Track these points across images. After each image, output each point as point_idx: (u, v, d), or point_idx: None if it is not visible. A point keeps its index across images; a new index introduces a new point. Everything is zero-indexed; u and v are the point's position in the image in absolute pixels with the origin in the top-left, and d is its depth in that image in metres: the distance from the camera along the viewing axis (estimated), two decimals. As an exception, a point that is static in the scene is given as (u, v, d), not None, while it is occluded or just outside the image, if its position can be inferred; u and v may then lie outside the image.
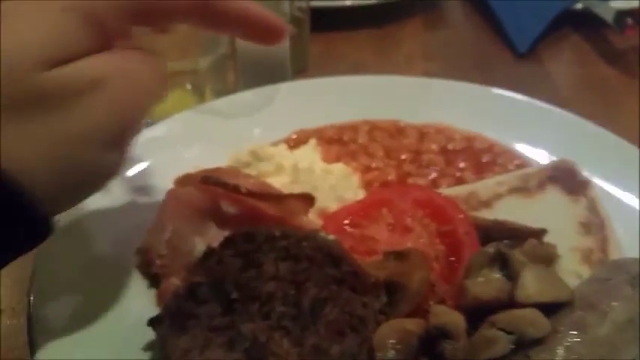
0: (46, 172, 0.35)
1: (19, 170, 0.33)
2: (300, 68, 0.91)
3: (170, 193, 0.54)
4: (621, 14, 0.99)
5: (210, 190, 0.53)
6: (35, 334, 0.47)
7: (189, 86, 0.82)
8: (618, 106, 0.90)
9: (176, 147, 0.68)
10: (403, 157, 0.67)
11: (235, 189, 0.51)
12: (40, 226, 0.37)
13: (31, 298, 0.50)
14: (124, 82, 0.38)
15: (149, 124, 0.72)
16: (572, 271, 0.53)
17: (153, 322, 0.46)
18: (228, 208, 0.55)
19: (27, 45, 0.34)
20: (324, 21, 0.99)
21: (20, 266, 0.59)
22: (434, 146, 0.68)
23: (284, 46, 0.83)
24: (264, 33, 0.46)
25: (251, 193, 0.52)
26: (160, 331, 0.45)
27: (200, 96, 0.81)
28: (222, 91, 0.81)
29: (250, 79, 0.82)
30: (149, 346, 0.48)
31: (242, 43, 0.82)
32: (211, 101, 0.76)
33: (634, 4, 1.05)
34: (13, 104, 0.34)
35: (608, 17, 1.00)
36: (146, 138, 0.68)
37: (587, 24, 1.06)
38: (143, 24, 0.42)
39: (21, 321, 0.56)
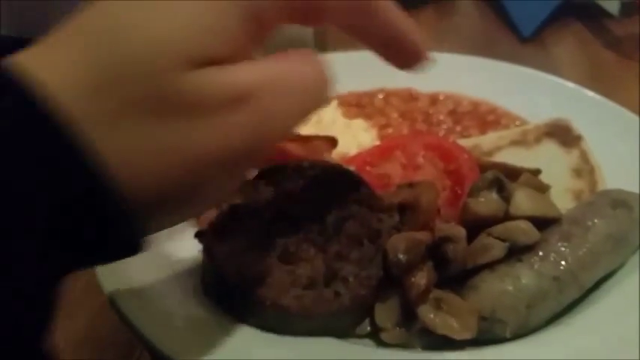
0: (155, 186, 0.29)
1: (126, 177, 0.28)
2: (321, 45, 0.98)
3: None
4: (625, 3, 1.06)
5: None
6: None
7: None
8: (617, 86, 0.96)
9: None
10: (416, 117, 0.75)
11: (268, 129, 0.59)
12: (129, 242, 0.31)
13: None
14: (277, 97, 0.32)
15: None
16: (565, 208, 0.60)
17: (199, 234, 0.54)
18: (260, 150, 0.62)
19: (171, 38, 0.28)
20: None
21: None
22: (443, 109, 0.76)
23: (308, 30, 0.92)
24: (402, 54, 0.43)
25: (282, 134, 0.59)
26: (205, 241, 0.53)
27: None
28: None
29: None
30: (192, 261, 0.56)
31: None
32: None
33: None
34: (140, 104, 0.28)
35: (609, 5, 1.08)
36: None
37: (588, 14, 1.13)
38: (294, 22, 0.37)
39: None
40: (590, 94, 0.76)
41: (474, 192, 0.52)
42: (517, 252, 0.49)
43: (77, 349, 0.53)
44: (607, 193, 0.56)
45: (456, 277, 0.49)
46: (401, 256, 0.48)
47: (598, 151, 0.67)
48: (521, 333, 0.48)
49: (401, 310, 0.48)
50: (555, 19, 1.11)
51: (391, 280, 0.49)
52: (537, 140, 0.68)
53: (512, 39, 1.07)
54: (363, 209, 0.53)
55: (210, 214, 0.58)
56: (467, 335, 0.46)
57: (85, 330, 0.55)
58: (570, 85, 0.78)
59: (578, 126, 0.70)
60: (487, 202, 0.51)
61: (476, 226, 0.51)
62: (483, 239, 0.49)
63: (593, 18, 1.13)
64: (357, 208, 0.54)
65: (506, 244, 0.48)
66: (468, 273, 0.49)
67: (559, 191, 0.61)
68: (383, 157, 0.62)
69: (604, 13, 1.10)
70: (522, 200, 0.50)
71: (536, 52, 1.04)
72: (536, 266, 0.48)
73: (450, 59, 0.85)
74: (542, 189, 0.56)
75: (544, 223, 0.51)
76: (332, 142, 0.61)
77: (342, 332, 0.49)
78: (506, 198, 0.51)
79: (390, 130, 0.72)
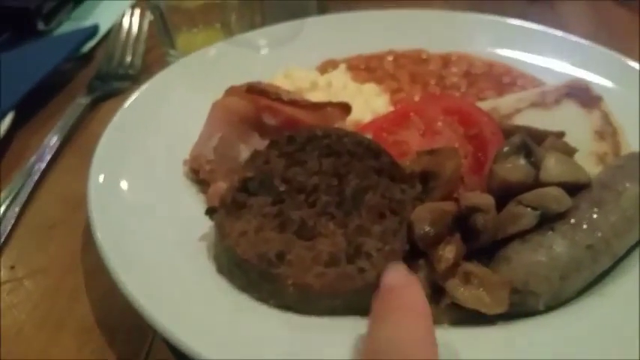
0: None
1: None
2: (322, 7, 0.94)
3: (217, 104, 0.59)
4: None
5: (254, 100, 0.57)
6: (100, 232, 0.51)
7: (218, 25, 0.86)
8: (629, 41, 0.92)
9: (212, 76, 0.72)
10: (428, 80, 0.71)
11: (277, 96, 0.55)
12: None
13: (91, 209, 0.53)
14: None
15: (179, 56, 0.76)
16: (590, 171, 0.57)
17: (210, 212, 0.51)
18: (270, 119, 0.59)
19: None
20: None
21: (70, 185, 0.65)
22: (457, 70, 0.72)
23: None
24: None
25: (292, 101, 0.56)
26: (217, 219, 0.50)
27: (229, 34, 0.84)
28: (249, 30, 0.84)
29: (276, 19, 0.86)
30: (203, 237, 0.53)
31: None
32: (241, 34, 0.80)
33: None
34: None
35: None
36: (183, 66, 0.73)
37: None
38: None
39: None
40: (607, 51, 0.73)
41: (500, 158, 0.49)
42: (548, 220, 0.46)
43: (86, 335, 0.51)
44: (635, 155, 0.53)
45: (485, 248, 0.47)
46: (427, 229, 0.45)
47: (618, 111, 0.65)
48: (554, 305, 0.45)
49: (428, 284, 0.46)
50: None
51: (417, 254, 0.47)
52: (557, 101, 0.65)
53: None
54: (383, 179, 0.50)
55: (220, 189, 0.55)
56: (499, 309, 0.43)
57: (92, 315, 0.52)
58: (585, 42, 0.74)
59: (596, 85, 0.67)
60: (515, 168, 0.48)
61: (503, 194, 0.48)
62: (513, 208, 0.46)
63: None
64: (376, 179, 0.50)
65: (538, 212, 0.46)
66: (497, 243, 0.47)
67: (583, 154, 0.58)
68: (400, 124, 0.58)
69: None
70: (553, 165, 0.48)
71: (544, 11, 0.99)
72: (569, 235, 0.46)
73: (460, 18, 0.81)
74: (570, 152, 0.53)
75: (574, 189, 0.48)
76: (345, 108, 0.58)
77: (367, 310, 0.46)
78: (534, 163, 0.49)
79: (402, 95, 0.69)
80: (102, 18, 0.99)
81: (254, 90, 0.56)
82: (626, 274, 0.48)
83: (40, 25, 0.94)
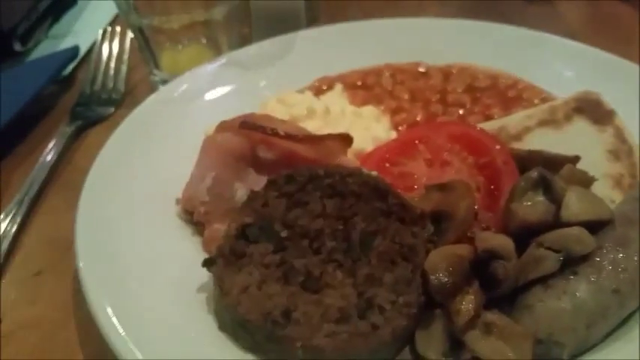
0: None
1: None
2: (312, 17, 0.89)
3: (208, 141, 0.55)
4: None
5: (248, 136, 0.54)
6: (87, 286, 0.48)
7: (204, 40, 0.82)
8: (629, 39, 0.89)
9: (201, 100, 0.68)
10: (429, 97, 0.68)
11: (273, 131, 0.52)
12: None
13: (79, 258, 0.50)
14: None
15: (167, 82, 0.72)
16: (606, 196, 0.54)
17: (207, 263, 0.47)
18: (266, 153, 0.55)
19: None
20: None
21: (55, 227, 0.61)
22: (459, 85, 0.69)
23: (299, 3, 0.83)
24: None
25: (289, 136, 0.52)
26: (216, 271, 0.46)
27: (216, 49, 0.80)
28: (237, 44, 0.80)
29: (264, 31, 0.82)
30: (201, 288, 0.49)
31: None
32: (229, 52, 0.76)
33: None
34: None
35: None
36: (170, 92, 0.69)
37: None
38: None
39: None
40: (618, 58, 0.70)
41: (517, 195, 0.46)
42: (571, 263, 0.43)
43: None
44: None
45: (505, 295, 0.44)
46: (444, 279, 0.42)
47: (632, 125, 0.61)
48: (579, 353, 0.43)
49: (446, 336, 0.43)
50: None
51: (432, 303, 0.44)
52: (567, 118, 0.62)
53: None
54: (393, 222, 0.47)
55: (217, 232, 0.52)
56: (522, 363, 0.41)
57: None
58: (594, 49, 0.71)
59: (606, 95, 0.64)
60: (534, 206, 0.45)
61: (522, 234, 0.45)
62: (534, 250, 0.43)
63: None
64: (385, 221, 0.47)
65: (560, 254, 0.43)
66: (517, 289, 0.44)
67: (597, 177, 0.55)
68: (404, 153, 0.55)
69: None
70: (574, 203, 0.45)
71: (543, 10, 0.96)
72: (593, 279, 0.43)
73: (458, 26, 0.78)
74: (587, 182, 0.50)
75: (597, 226, 0.45)
76: (346, 140, 0.54)
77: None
78: (554, 199, 0.46)
79: (403, 115, 0.65)
80: (81, 35, 0.95)
81: (248, 126, 0.52)
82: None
83: (17, 46, 0.89)
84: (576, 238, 0.43)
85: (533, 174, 0.46)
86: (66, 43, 0.93)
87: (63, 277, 0.57)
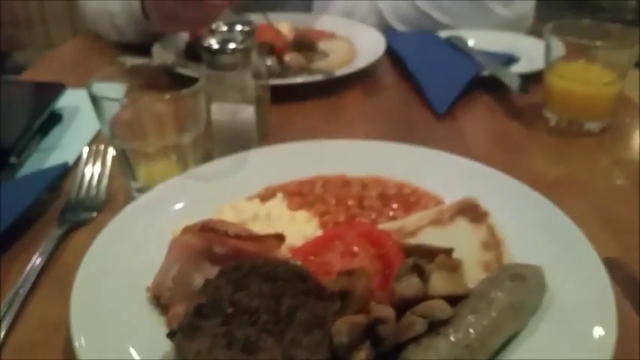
0: None
1: None
2: (263, 135, 1.10)
3: (174, 241, 0.72)
4: (524, 78, 1.23)
5: (206, 236, 0.71)
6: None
7: (174, 157, 1.00)
8: (519, 153, 1.12)
9: (169, 207, 0.85)
10: (350, 203, 0.87)
11: (226, 233, 0.69)
12: None
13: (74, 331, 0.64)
14: None
15: (142, 191, 0.90)
16: (477, 278, 0.72)
17: (170, 335, 0.62)
18: (219, 249, 0.72)
19: None
20: (281, 95, 1.20)
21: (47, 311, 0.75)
22: (373, 193, 0.88)
23: (250, 120, 1.03)
24: None
25: (237, 236, 0.70)
26: (177, 341, 0.61)
27: (184, 164, 0.98)
28: (201, 159, 0.99)
29: (224, 147, 1.01)
30: (166, 355, 0.64)
31: (217, 120, 1.01)
32: (194, 168, 0.94)
33: (534, 68, 1.31)
34: None
35: (511, 81, 1.25)
36: (144, 202, 0.86)
37: (494, 87, 1.31)
38: None
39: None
40: (496, 172, 0.90)
41: (398, 277, 0.64)
42: (436, 326, 0.60)
43: None
44: (506, 268, 0.69)
45: (390, 351, 0.60)
46: (344, 339, 0.59)
47: (503, 224, 0.81)
48: (445, 394, 0.58)
49: (347, 384, 0.58)
50: (466, 92, 1.28)
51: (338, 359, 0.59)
52: (451, 218, 0.81)
53: (428, 116, 1.22)
54: (311, 299, 0.64)
55: (179, 312, 0.67)
56: (401, 401, 0.56)
57: None
58: (478, 165, 0.92)
59: (486, 202, 0.84)
60: (409, 286, 0.63)
61: (402, 306, 0.62)
62: (408, 317, 0.60)
63: (498, 90, 1.30)
64: (305, 298, 0.64)
65: (427, 320, 0.60)
66: (399, 346, 0.60)
67: (471, 264, 0.74)
68: (324, 247, 0.73)
69: (505, 86, 1.28)
70: (438, 282, 0.62)
71: (449, 128, 1.19)
72: (451, 337, 0.59)
73: (375, 146, 0.99)
74: (455, 267, 0.68)
75: (456, 299, 0.63)
76: (280, 238, 0.72)
77: (300, 409, 0.58)
78: (425, 280, 0.63)
79: (329, 217, 0.83)
80: (68, 148, 1.13)
81: (206, 228, 0.69)
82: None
83: (13, 160, 1.06)
84: (438, 307, 0.61)
85: (410, 261, 0.64)
86: (54, 156, 1.11)
87: (55, 349, 0.71)
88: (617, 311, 0.65)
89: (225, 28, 1.00)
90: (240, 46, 0.93)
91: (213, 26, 1.00)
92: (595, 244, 0.74)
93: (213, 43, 0.93)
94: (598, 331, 0.63)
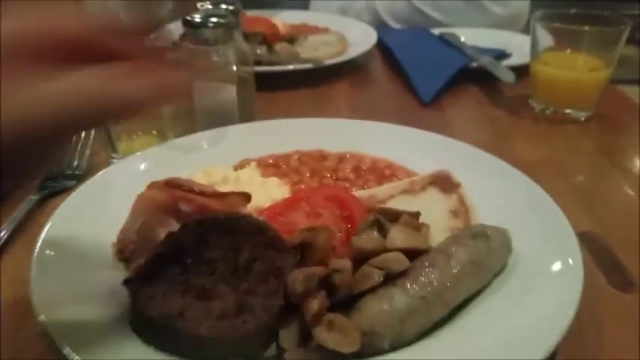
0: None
1: None
2: (247, 119, 1.10)
3: (140, 196, 0.72)
4: (513, 71, 1.24)
5: (171, 193, 0.71)
6: (38, 301, 0.62)
7: (154, 132, 1.01)
8: (504, 138, 1.12)
9: (144, 173, 0.86)
10: (325, 174, 0.87)
11: (189, 189, 0.69)
12: None
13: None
14: None
15: (121, 159, 0.90)
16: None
17: (126, 282, 0.62)
18: (185, 207, 0.72)
19: None
20: (270, 84, 1.21)
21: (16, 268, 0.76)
22: (349, 166, 0.88)
23: (232, 100, 1.04)
24: None
25: (201, 192, 0.70)
26: (132, 287, 0.61)
27: (164, 139, 0.99)
28: (182, 135, 1.00)
29: (205, 126, 1.02)
30: (121, 304, 0.64)
31: (198, 99, 1.02)
32: (173, 140, 0.95)
33: (522, 61, 1.31)
34: None
35: (502, 74, 1.26)
36: (119, 167, 0.86)
37: (484, 79, 1.31)
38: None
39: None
40: (473, 148, 0.90)
41: (359, 231, 0.63)
42: (392, 278, 0.60)
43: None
44: (470, 227, 0.68)
45: (347, 302, 0.59)
46: (298, 286, 0.58)
47: (477, 196, 0.80)
48: (398, 345, 0.57)
49: (300, 332, 0.58)
50: (456, 83, 1.28)
51: (292, 309, 0.59)
52: (423, 188, 0.81)
53: (415, 106, 1.22)
54: (270, 251, 0.63)
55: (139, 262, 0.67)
56: (352, 348, 0.55)
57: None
58: (455, 142, 0.92)
59: (461, 176, 0.83)
60: (368, 239, 0.62)
61: (361, 260, 0.61)
62: (365, 269, 0.60)
63: (489, 83, 1.31)
64: (264, 251, 0.63)
65: (383, 271, 0.59)
66: (355, 297, 0.59)
67: (439, 229, 0.73)
68: (290, 208, 0.72)
69: (494, 77, 1.28)
70: (396, 236, 0.62)
71: (436, 116, 1.19)
72: (407, 288, 0.59)
73: (357, 124, 0.99)
74: (418, 227, 0.67)
75: (416, 254, 0.62)
76: (246, 197, 0.72)
77: (252, 355, 0.58)
78: (384, 235, 0.63)
79: (302, 187, 0.83)
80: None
81: (171, 184, 0.69)
82: (457, 322, 0.60)
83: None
84: (395, 259, 0.60)
85: (371, 216, 0.64)
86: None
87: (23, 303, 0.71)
88: (585, 278, 0.64)
89: (210, 7, 1.01)
90: (222, 21, 0.94)
91: (199, 4, 1.01)
92: (572, 220, 0.72)
93: (196, 17, 0.94)
94: (561, 294, 0.62)
